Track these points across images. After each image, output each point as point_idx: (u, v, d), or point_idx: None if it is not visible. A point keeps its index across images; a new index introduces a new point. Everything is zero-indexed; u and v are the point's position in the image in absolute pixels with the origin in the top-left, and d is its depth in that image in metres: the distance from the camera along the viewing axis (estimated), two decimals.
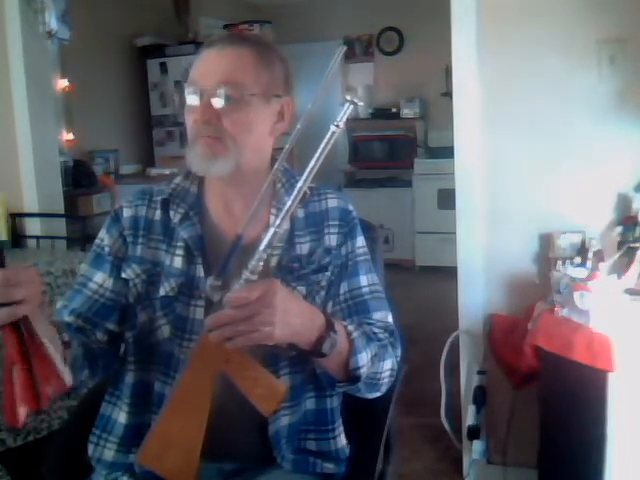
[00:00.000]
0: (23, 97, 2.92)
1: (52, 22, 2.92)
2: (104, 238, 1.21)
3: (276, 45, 1.21)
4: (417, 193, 5.66)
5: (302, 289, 1.17)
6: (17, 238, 2.93)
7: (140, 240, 1.19)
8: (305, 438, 1.21)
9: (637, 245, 1.99)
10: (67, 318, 1.16)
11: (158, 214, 1.20)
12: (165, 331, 1.15)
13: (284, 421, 1.16)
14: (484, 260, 2.29)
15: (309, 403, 1.21)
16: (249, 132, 1.13)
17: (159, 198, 1.21)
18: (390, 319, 1.22)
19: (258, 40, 1.19)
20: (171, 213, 1.19)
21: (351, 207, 1.26)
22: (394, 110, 6.07)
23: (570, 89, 2.13)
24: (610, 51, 2.07)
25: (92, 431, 1.22)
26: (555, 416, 1.93)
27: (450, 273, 2.53)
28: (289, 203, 0.96)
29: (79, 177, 4.16)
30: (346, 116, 0.92)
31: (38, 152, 2.99)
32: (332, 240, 1.21)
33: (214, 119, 1.10)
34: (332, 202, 1.24)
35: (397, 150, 6.01)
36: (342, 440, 1.24)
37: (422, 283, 5.20)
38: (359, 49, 6.42)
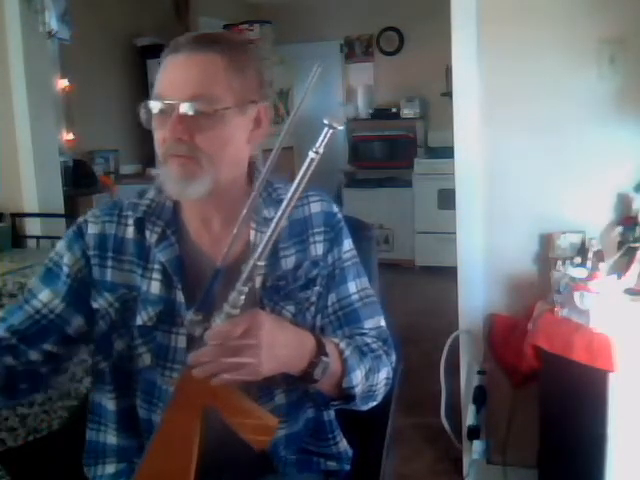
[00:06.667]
0: (23, 97, 2.91)
1: (52, 22, 2.92)
2: (63, 255, 1.11)
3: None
4: (417, 193, 5.65)
5: (291, 308, 1.10)
6: (17, 238, 2.93)
7: (110, 263, 1.08)
8: (306, 442, 1.18)
9: (637, 245, 1.99)
10: (1, 333, 1.07)
11: (130, 232, 1.09)
12: (146, 359, 1.07)
13: (281, 433, 1.11)
14: (484, 260, 2.29)
15: (309, 413, 1.17)
16: (225, 147, 1.02)
17: (130, 213, 1.10)
18: (383, 323, 1.17)
19: (228, 41, 1.05)
20: (147, 233, 1.08)
21: (335, 209, 1.18)
22: (394, 110, 6.06)
23: (570, 89, 2.13)
24: (610, 51, 2.06)
25: (84, 456, 1.16)
26: (555, 416, 1.93)
27: (450, 273, 2.53)
28: (266, 239, 0.88)
29: (79, 177, 4.16)
30: (325, 141, 0.84)
31: (38, 152, 2.98)
32: (318, 249, 1.13)
33: (186, 137, 0.98)
34: (315, 207, 1.15)
35: (397, 150, 6.00)
36: (344, 444, 1.22)
37: (422, 283, 5.19)
38: (359, 49, 6.41)
